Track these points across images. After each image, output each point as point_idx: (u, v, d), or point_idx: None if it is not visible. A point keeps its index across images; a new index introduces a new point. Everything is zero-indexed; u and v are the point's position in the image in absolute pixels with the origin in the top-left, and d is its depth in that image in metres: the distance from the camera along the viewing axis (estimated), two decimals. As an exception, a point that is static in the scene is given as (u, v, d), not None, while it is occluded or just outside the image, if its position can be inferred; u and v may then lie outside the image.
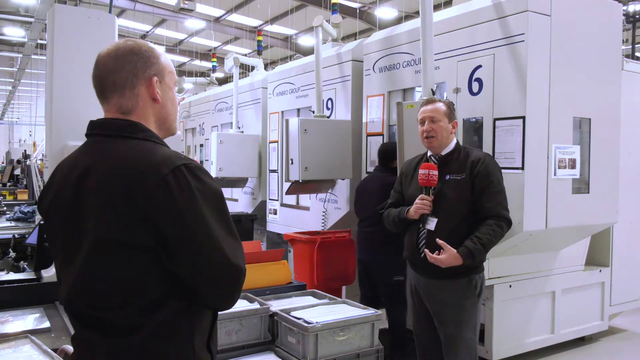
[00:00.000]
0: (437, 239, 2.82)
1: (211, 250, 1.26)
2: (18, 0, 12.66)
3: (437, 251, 2.82)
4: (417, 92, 4.49)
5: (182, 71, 21.96)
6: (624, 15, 9.78)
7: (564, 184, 3.80)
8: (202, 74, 18.12)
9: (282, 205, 6.29)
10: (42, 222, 3.32)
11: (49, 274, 3.07)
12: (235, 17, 15.49)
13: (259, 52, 9.12)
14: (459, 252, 2.77)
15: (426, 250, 2.87)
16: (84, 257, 1.27)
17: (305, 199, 6.01)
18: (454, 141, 3.04)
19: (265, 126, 6.75)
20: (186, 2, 10.06)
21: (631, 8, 10.86)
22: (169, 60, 1.45)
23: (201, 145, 9.17)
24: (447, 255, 2.78)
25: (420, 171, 2.90)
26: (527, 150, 3.57)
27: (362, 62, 5.07)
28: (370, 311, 2.87)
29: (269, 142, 6.52)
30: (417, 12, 4.55)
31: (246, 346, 2.71)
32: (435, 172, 2.87)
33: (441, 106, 3.00)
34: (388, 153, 4.29)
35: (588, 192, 3.99)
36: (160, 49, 1.45)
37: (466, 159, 2.94)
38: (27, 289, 2.93)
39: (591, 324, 4.69)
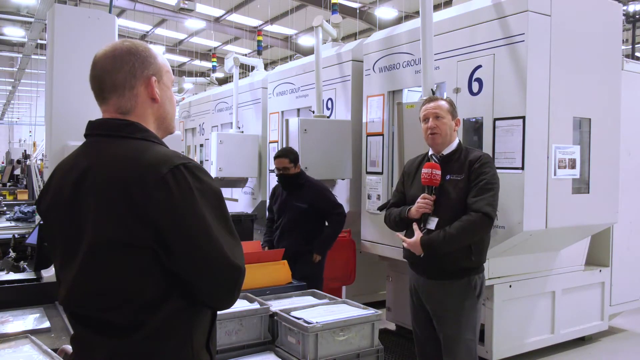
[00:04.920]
0: (414, 223, 2.91)
1: (210, 249, 1.26)
2: (18, 0, 12.66)
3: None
4: (413, 91, 4.50)
5: (182, 71, 21.96)
6: (624, 15, 9.79)
7: (564, 184, 3.80)
8: (202, 74, 18.12)
9: (282, 205, 6.28)
10: (42, 222, 3.32)
11: (49, 274, 3.07)
12: (235, 17, 15.50)
13: (259, 52, 9.13)
14: (421, 240, 2.84)
15: (398, 234, 2.98)
16: (83, 257, 1.27)
17: (305, 199, 5.99)
18: (456, 141, 3.03)
19: (265, 126, 6.76)
20: (186, 2, 10.06)
21: (631, 8, 10.86)
22: (165, 59, 1.46)
23: (201, 145, 9.17)
24: (413, 240, 2.87)
25: (424, 170, 2.89)
26: (527, 150, 3.57)
27: (362, 62, 5.06)
28: (370, 311, 2.86)
29: (269, 142, 6.52)
30: (417, 12, 4.55)
31: (246, 346, 2.71)
32: (438, 172, 2.86)
33: (444, 103, 3.00)
34: None
35: (588, 192, 3.99)
36: (157, 49, 1.46)
37: (466, 159, 2.93)
38: (27, 289, 2.93)
39: (591, 324, 4.70)
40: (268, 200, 4.64)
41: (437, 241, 2.80)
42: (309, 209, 4.28)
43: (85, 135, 1.40)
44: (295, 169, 4.35)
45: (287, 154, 4.36)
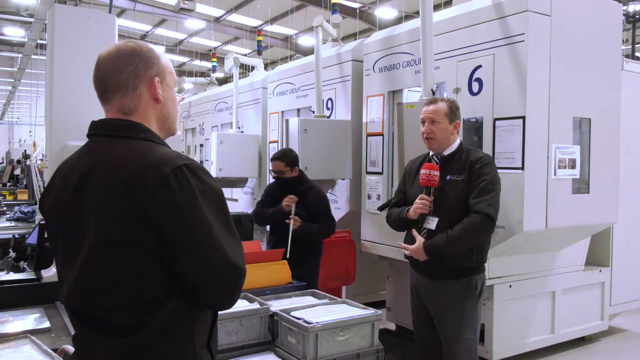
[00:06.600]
0: (413, 230, 2.92)
1: (212, 250, 1.26)
2: (18, 0, 12.66)
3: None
4: (413, 91, 4.50)
5: (182, 71, 21.96)
6: (624, 15, 9.78)
7: (564, 184, 3.80)
8: (202, 74, 18.13)
9: (282, 205, 6.28)
10: (42, 222, 3.32)
11: (49, 274, 3.07)
12: (235, 17, 15.49)
13: (259, 52, 9.13)
14: (424, 245, 2.83)
15: (400, 243, 2.99)
16: (85, 256, 1.27)
17: (305, 199, 5.99)
18: (457, 142, 3.03)
19: (265, 126, 6.76)
20: (186, 2, 10.05)
21: (631, 8, 10.86)
22: (168, 60, 1.46)
23: (201, 145, 9.17)
24: (416, 247, 2.87)
25: (422, 171, 2.90)
26: (527, 150, 3.57)
27: (362, 62, 5.07)
28: (370, 311, 2.86)
29: (269, 142, 6.52)
30: (417, 12, 4.55)
31: (246, 346, 2.71)
32: (437, 173, 2.87)
33: (442, 107, 2.99)
34: None
35: (588, 192, 3.99)
36: (159, 50, 1.46)
37: (467, 160, 2.94)
38: (27, 289, 2.93)
39: (591, 324, 4.70)
40: (263, 195, 4.44)
41: (440, 245, 2.80)
42: (309, 216, 4.11)
43: (88, 135, 1.40)
44: (292, 172, 4.16)
45: (283, 157, 4.16)
